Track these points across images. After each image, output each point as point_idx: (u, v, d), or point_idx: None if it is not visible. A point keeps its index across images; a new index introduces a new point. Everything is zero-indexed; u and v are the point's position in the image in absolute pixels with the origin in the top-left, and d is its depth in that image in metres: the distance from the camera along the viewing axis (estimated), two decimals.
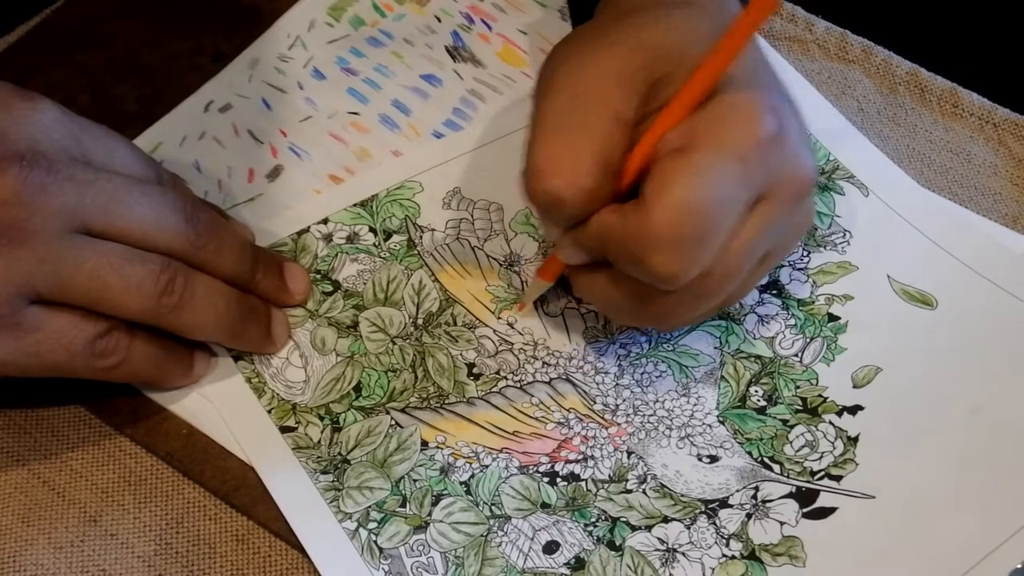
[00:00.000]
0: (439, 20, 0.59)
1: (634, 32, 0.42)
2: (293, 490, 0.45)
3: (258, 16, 0.59)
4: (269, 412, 0.47)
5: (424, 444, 0.46)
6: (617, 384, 0.47)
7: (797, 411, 0.46)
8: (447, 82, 0.57)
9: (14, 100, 0.43)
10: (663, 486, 0.45)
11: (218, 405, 0.47)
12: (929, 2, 0.45)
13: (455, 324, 0.49)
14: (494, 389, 0.47)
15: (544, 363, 0.48)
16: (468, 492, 0.45)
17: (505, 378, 0.48)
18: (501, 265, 0.51)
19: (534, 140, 0.42)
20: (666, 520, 0.44)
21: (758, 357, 0.47)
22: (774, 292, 0.49)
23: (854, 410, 0.46)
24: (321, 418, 0.47)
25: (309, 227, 0.52)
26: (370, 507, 0.44)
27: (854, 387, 0.46)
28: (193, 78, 0.57)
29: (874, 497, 0.44)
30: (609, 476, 0.45)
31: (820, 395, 0.46)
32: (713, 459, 0.45)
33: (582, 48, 0.43)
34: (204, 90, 0.56)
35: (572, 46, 0.44)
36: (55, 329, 0.42)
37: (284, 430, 0.46)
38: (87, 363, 0.43)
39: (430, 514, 0.44)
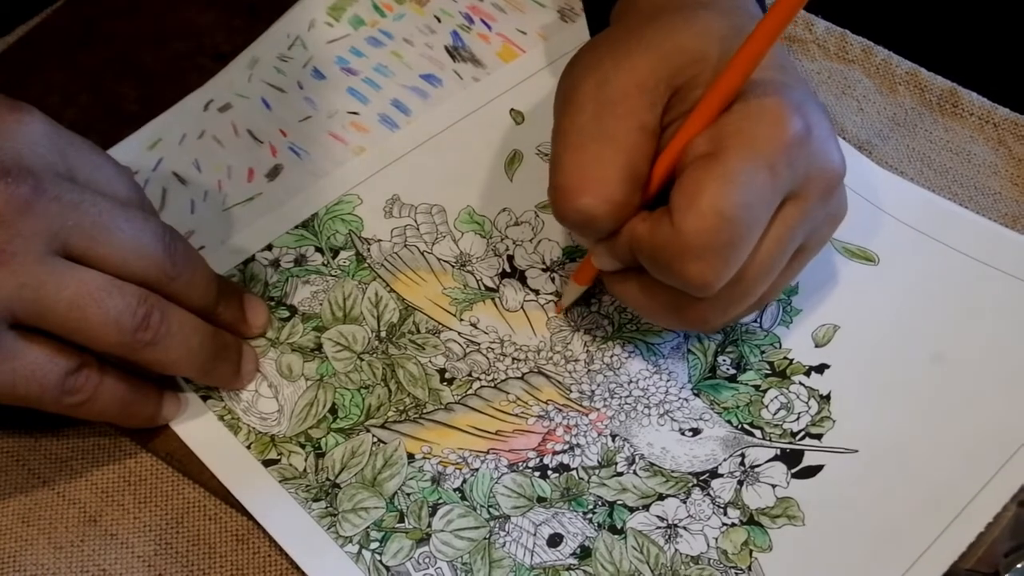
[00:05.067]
0: (439, 20, 0.59)
1: (665, 36, 0.42)
2: (289, 522, 0.44)
3: (258, 16, 0.59)
4: (248, 448, 0.46)
5: (411, 457, 0.46)
6: (589, 370, 0.48)
7: (767, 375, 0.48)
8: (447, 82, 0.57)
9: (1, 112, 0.41)
10: (652, 464, 0.46)
11: (195, 447, 0.46)
12: (929, 2, 0.46)
13: (419, 332, 0.49)
14: (469, 392, 0.48)
15: (514, 359, 0.49)
16: (463, 498, 0.45)
17: (478, 379, 0.48)
18: (453, 266, 0.51)
19: (559, 156, 0.42)
20: (661, 497, 0.45)
21: None
22: None
23: (821, 369, 0.48)
24: (302, 446, 0.46)
25: (254, 255, 0.51)
26: (369, 527, 0.44)
27: (816, 346, 0.48)
28: (193, 78, 0.56)
29: (857, 451, 0.46)
30: (598, 462, 0.46)
31: (786, 358, 0.48)
32: (695, 432, 0.47)
33: (604, 58, 0.42)
34: (204, 89, 0.56)
35: (593, 56, 0.43)
36: (31, 361, 0.41)
37: (267, 463, 0.46)
38: (56, 398, 0.42)
39: (430, 525, 0.45)
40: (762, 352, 0.48)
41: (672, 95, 0.42)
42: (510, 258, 0.51)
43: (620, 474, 0.46)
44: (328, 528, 0.44)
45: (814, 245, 0.45)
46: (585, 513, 0.45)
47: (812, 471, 0.45)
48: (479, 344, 0.49)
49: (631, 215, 0.42)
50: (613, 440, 0.47)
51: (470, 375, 0.48)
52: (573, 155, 0.41)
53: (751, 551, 0.44)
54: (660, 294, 0.43)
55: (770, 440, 0.46)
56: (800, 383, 0.47)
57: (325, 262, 0.51)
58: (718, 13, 0.43)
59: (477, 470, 0.46)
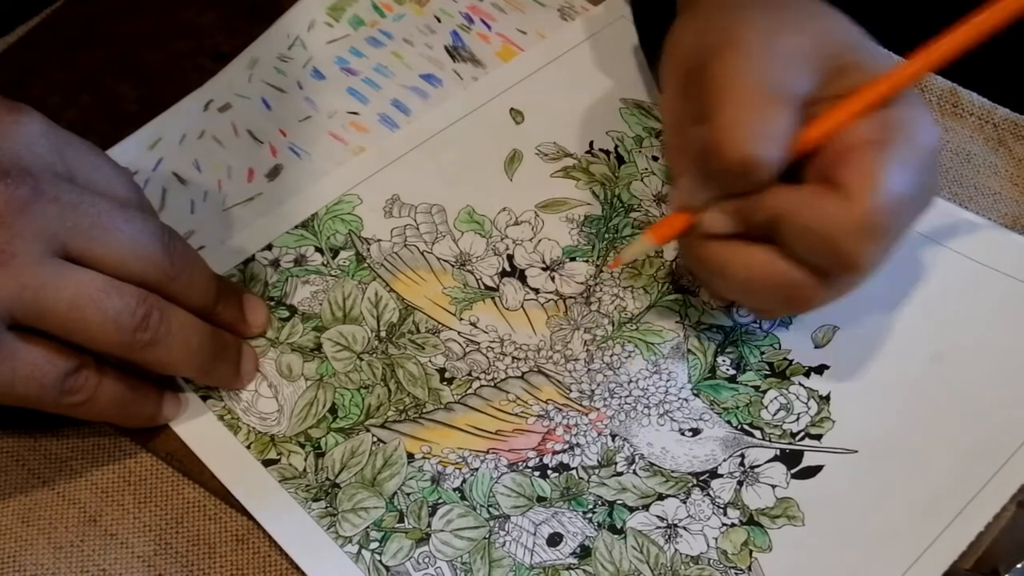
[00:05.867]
0: (439, 20, 0.59)
1: (819, 21, 0.43)
2: (288, 522, 0.44)
3: (258, 16, 0.59)
4: (248, 447, 0.46)
5: (410, 456, 0.46)
6: (588, 369, 0.48)
7: (767, 376, 0.48)
8: (447, 82, 0.57)
9: None
10: (652, 464, 0.46)
11: (195, 447, 0.46)
12: (929, 2, 0.46)
13: (419, 331, 0.49)
14: (469, 391, 0.48)
15: (514, 358, 0.49)
16: (463, 497, 0.45)
17: (478, 378, 0.48)
18: (453, 266, 0.51)
19: (726, 105, 0.41)
20: (661, 497, 0.45)
21: (719, 327, 0.49)
22: None
23: (820, 370, 0.48)
24: (302, 446, 0.46)
25: (254, 255, 0.51)
26: (368, 527, 0.44)
27: (816, 347, 0.48)
28: (193, 78, 0.57)
29: (856, 451, 0.46)
30: (598, 461, 0.46)
31: (785, 358, 0.48)
32: (695, 432, 0.47)
33: (772, 23, 0.43)
34: (204, 89, 0.56)
35: (758, 17, 0.43)
36: (30, 361, 0.41)
37: (267, 463, 0.46)
38: (55, 399, 0.42)
39: (429, 525, 0.45)
40: (762, 353, 0.48)
41: (828, 75, 0.42)
42: (510, 257, 0.51)
43: (620, 474, 0.46)
44: (328, 528, 0.44)
45: None
46: (585, 513, 0.45)
47: (812, 471, 0.45)
48: (479, 343, 0.49)
49: (776, 178, 0.42)
50: (613, 440, 0.47)
51: (470, 374, 0.48)
52: (743, 108, 0.41)
53: (751, 551, 0.44)
54: (779, 267, 0.42)
55: (770, 440, 0.46)
56: (800, 384, 0.47)
57: (325, 262, 0.51)
58: (833, 10, 0.45)
59: (477, 470, 0.46)
